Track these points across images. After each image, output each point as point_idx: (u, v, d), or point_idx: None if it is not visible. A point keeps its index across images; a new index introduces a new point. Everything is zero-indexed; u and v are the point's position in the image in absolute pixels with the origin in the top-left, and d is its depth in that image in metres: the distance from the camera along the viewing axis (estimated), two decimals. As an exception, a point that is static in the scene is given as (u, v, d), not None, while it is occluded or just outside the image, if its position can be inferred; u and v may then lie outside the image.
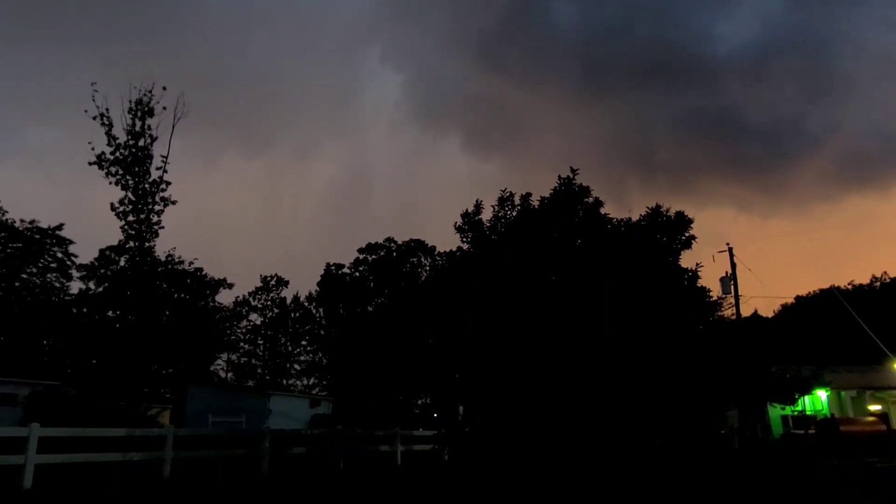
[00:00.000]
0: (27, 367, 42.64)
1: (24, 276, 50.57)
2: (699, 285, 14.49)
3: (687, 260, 14.59)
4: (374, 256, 59.78)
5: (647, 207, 14.42)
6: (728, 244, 35.60)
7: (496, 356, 12.50)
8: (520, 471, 11.68)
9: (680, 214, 14.45)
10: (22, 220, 49.46)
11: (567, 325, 12.05)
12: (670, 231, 14.34)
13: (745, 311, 33.55)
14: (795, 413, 31.77)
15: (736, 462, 18.09)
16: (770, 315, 60.60)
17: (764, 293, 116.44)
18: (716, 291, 16.80)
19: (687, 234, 14.35)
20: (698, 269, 14.41)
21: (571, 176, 14.21)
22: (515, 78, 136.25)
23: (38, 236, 50.46)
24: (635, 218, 14.48)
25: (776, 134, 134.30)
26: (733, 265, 34.51)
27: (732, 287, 33.65)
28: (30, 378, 36.36)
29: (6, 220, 47.98)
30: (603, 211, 14.33)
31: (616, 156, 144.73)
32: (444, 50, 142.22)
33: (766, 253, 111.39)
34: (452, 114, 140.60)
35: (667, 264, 14.08)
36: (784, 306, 63.93)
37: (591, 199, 14.27)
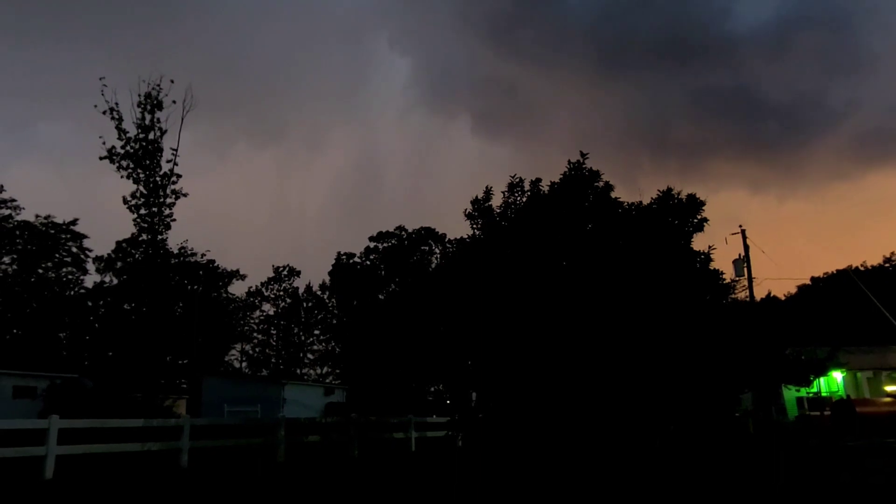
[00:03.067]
0: (46, 360, 43.25)
1: (41, 270, 51.20)
2: (712, 268, 14.38)
3: (699, 243, 14.49)
4: (384, 245, 59.90)
5: (659, 191, 14.31)
6: (741, 226, 35.21)
7: (508, 342, 12.51)
8: (533, 456, 11.72)
9: (692, 197, 14.32)
10: (37, 216, 50.05)
11: (579, 310, 12.02)
12: (682, 214, 14.22)
13: (759, 294, 33.35)
14: (811, 395, 31.57)
15: (750, 444, 18.06)
16: (784, 297, 60.14)
17: (778, 275, 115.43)
18: (729, 274, 16.68)
19: (699, 217, 14.23)
20: (711, 252, 14.30)
21: (581, 160, 14.11)
22: (526, 60, 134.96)
23: (53, 231, 51.03)
24: (646, 201, 14.38)
25: (795, 111, 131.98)
26: (746, 247, 34.23)
27: (745, 269, 33.39)
28: (48, 371, 36.90)
29: (22, 217, 48.50)
30: (613, 195, 14.22)
31: (628, 138, 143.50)
32: (453, 33, 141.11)
33: (780, 234, 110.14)
34: (462, 98, 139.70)
35: (679, 247, 13.98)
36: (799, 287, 63.40)
37: (601, 184, 14.16)
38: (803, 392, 29.23)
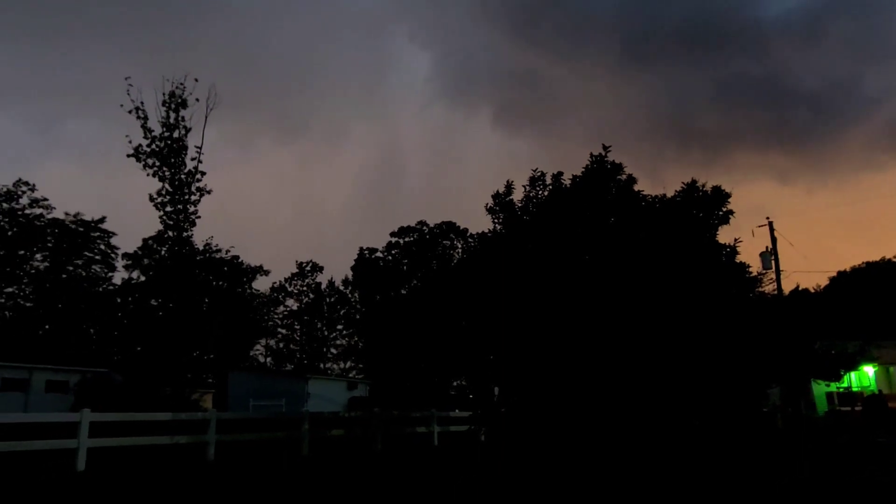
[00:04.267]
0: (77, 355, 44.26)
1: (71, 268, 52.35)
2: (738, 261, 14.16)
3: (725, 235, 14.26)
4: (406, 240, 60.11)
5: (683, 183, 14.10)
6: (768, 218, 34.59)
7: (530, 336, 12.47)
8: (554, 450, 11.69)
9: (717, 189, 14.10)
10: (67, 214, 51.15)
11: (602, 305, 11.93)
12: (707, 206, 14.01)
13: (788, 287, 32.74)
14: (841, 389, 30.99)
15: (778, 439, 17.79)
16: (813, 290, 59.02)
17: (807, 268, 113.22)
18: (756, 267, 16.40)
19: (724, 209, 14.00)
20: (737, 245, 14.07)
21: (604, 153, 13.97)
22: (548, 51, 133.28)
23: (82, 229, 52.12)
24: (670, 194, 14.19)
25: (826, 99, 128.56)
26: (774, 240, 33.64)
27: (773, 262, 32.84)
28: (79, 366, 37.79)
29: (52, 215, 49.56)
30: (636, 188, 14.06)
31: (651, 129, 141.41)
32: (474, 25, 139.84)
33: (809, 226, 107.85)
34: (483, 91, 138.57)
35: (704, 241, 13.79)
36: (830, 280, 62.15)
37: (623, 177, 14.01)
38: (833, 387, 28.68)
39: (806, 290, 34.02)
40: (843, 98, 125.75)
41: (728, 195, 14.00)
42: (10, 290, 48.92)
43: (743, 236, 14.30)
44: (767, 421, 19.94)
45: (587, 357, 11.72)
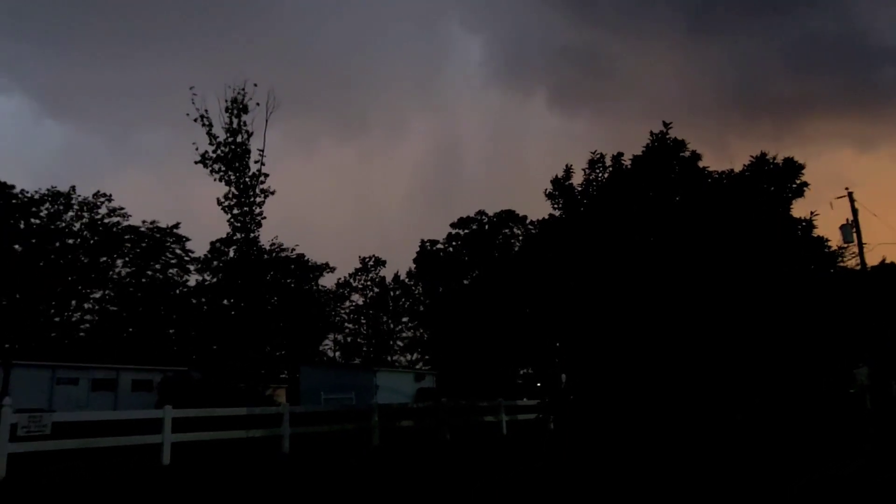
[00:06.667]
0: (158, 355, 46.58)
1: (150, 272, 55.12)
2: (815, 235, 13.45)
3: (800, 209, 13.58)
4: (466, 231, 60.12)
5: (751, 156, 13.50)
6: (847, 188, 32.63)
7: (595, 321, 12.23)
8: (625, 436, 11.45)
9: (789, 161, 13.42)
10: (143, 222, 53.85)
11: (668, 287, 11.56)
12: (779, 180, 13.36)
13: (872, 261, 30.84)
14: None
15: (864, 419, 16.83)
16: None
17: (894, 239, 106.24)
18: (836, 241, 15.51)
19: (798, 182, 13.33)
20: (813, 219, 13.38)
21: (665, 130, 13.52)
22: (605, 26, 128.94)
23: (158, 235, 54.73)
24: (738, 169, 13.60)
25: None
26: (854, 211, 31.69)
27: (855, 235, 30.98)
28: (161, 365, 39.78)
29: (129, 223, 52.28)
30: (702, 164, 13.56)
31: (717, 103, 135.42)
32: (525, 4, 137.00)
33: (895, 195, 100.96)
34: (537, 72, 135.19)
35: (776, 215, 13.15)
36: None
37: (687, 153, 13.53)
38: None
39: (893, 264, 31.91)
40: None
41: (801, 166, 13.32)
42: (96, 295, 51.96)
43: (820, 209, 13.59)
44: (855, 402, 18.91)
45: (653, 342, 11.41)
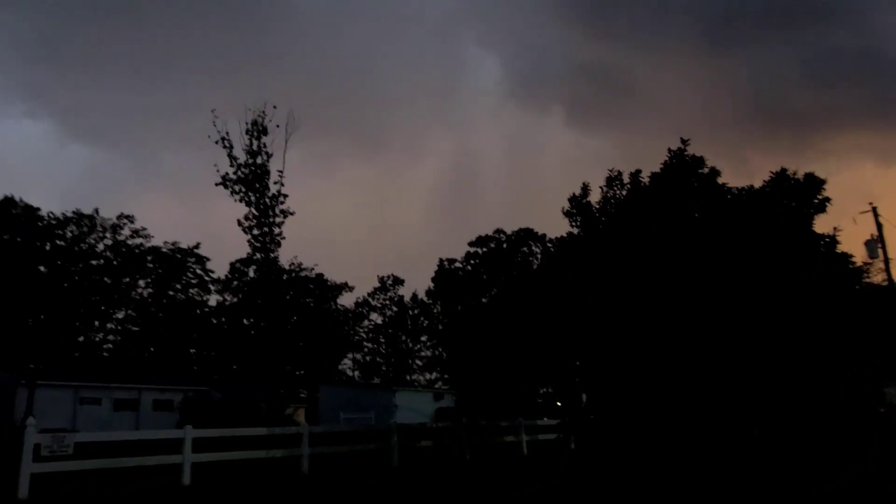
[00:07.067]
0: (179, 374, 46.95)
1: (171, 292, 55.81)
2: (839, 251, 13.24)
3: (823, 224, 13.38)
4: (484, 249, 60.11)
5: (771, 172, 13.39)
6: (871, 203, 32.07)
7: (616, 341, 12.12)
8: (644, 453, 11.27)
9: (810, 176, 13.27)
10: (165, 242, 54.69)
11: (687, 305, 11.43)
12: (799, 195, 13.20)
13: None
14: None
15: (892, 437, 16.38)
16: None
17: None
18: (861, 256, 15.24)
19: (819, 197, 13.16)
20: (837, 234, 13.17)
21: (683, 147, 13.47)
22: (622, 42, 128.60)
23: (179, 256, 55.49)
24: (758, 184, 13.48)
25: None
26: (879, 226, 31.14)
27: (880, 250, 30.39)
28: (182, 385, 40.06)
29: (151, 244, 53.09)
30: (720, 180, 13.45)
31: (736, 118, 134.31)
32: (541, 22, 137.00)
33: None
34: (554, 89, 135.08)
35: (798, 231, 12.98)
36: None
37: (705, 170, 13.45)
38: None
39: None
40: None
41: (823, 182, 13.17)
42: (119, 315, 52.65)
43: (843, 224, 13.40)
44: (887, 420, 18.44)
45: (672, 359, 11.27)
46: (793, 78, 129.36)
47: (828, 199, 13.15)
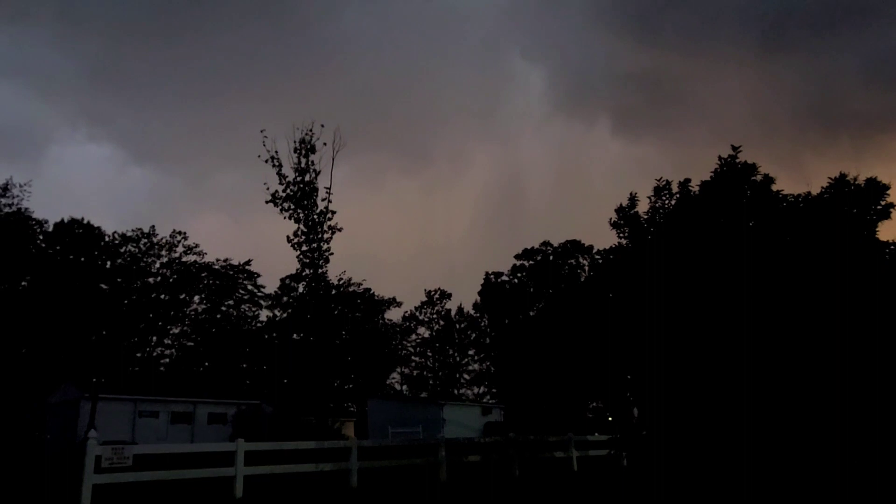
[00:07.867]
0: (232, 388, 48.08)
1: (224, 308, 57.36)
2: (906, 259, 12.57)
3: (887, 231, 12.75)
4: (531, 262, 59.71)
5: (829, 178, 12.82)
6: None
7: (668, 354, 11.79)
8: (704, 476, 10.87)
9: (872, 181, 12.68)
10: (218, 259, 56.36)
11: (740, 318, 11.04)
12: (861, 201, 12.63)
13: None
14: None
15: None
16: None
17: None
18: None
19: (883, 203, 12.56)
20: (903, 241, 12.51)
21: (734, 154, 13.08)
22: (670, 50, 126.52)
23: (231, 273, 57.06)
24: (815, 191, 12.96)
25: None
26: (948, 232, 29.58)
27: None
28: (235, 398, 40.99)
29: (204, 261, 54.77)
30: (775, 188, 12.99)
31: (791, 123, 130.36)
32: (587, 33, 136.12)
33: None
34: (600, 99, 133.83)
35: (860, 239, 12.40)
36: None
37: (759, 177, 13.01)
38: None
39: None
40: None
41: (886, 186, 12.56)
42: (175, 331, 54.40)
43: (909, 231, 12.74)
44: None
45: (732, 374, 10.87)
46: (852, 79, 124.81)
47: (892, 205, 12.54)
